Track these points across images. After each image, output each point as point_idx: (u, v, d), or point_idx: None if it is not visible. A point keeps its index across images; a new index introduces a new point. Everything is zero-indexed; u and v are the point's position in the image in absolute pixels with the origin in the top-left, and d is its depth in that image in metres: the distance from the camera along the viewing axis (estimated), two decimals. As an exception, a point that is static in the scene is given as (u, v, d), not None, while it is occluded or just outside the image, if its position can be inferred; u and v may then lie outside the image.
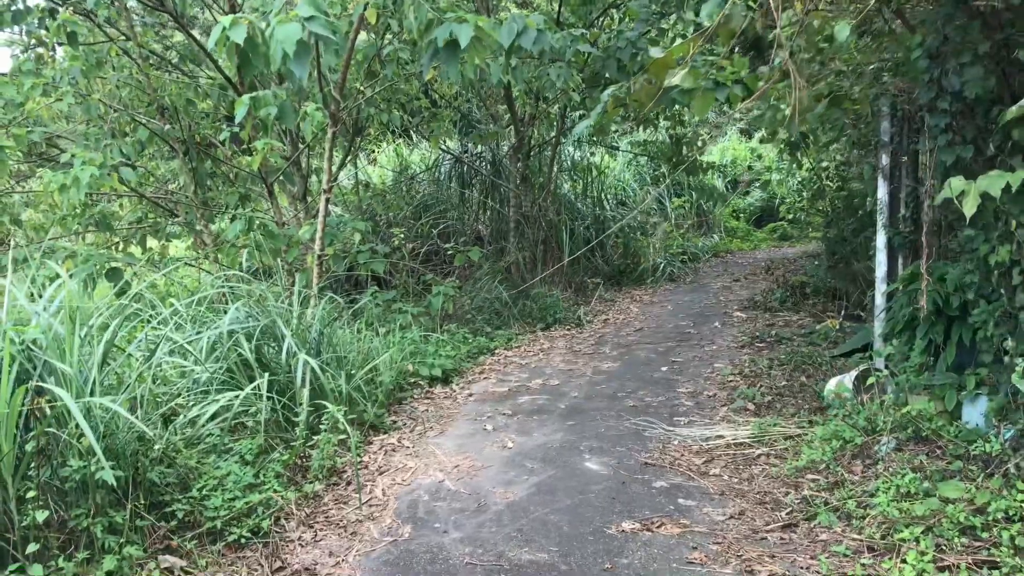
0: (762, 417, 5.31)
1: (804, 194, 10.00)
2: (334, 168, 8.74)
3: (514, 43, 5.71)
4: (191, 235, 9.30)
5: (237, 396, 4.42)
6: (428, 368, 6.70)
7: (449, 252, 9.32)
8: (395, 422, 5.64)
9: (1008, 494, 3.40)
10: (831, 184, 9.15)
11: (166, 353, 4.68)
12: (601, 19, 9.82)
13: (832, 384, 5.31)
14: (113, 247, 9.49)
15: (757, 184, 17.71)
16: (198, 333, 4.98)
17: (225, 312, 5.17)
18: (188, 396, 4.64)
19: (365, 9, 5.70)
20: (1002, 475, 3.63)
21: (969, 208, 3.36)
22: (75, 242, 9.50)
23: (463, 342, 7.82)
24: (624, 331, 8.79)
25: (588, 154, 13.26)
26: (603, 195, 13.01)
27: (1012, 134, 3.77)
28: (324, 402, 4.83)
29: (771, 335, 7.89)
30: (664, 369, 6.95)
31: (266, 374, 4.61)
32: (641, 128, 12.30)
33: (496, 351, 8.04)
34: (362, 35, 7.83)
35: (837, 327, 7.87)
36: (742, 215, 17.18)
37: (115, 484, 3.29)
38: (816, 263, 9.01)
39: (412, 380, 6.57)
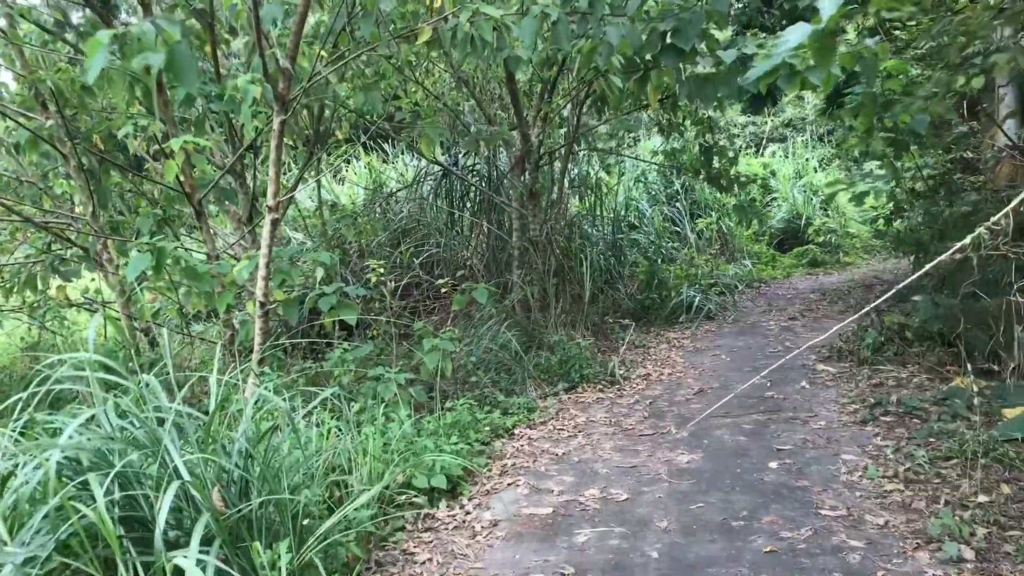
0: (1009, 582, 3.12)
1: (882, 207, 7.92)
2: (288, 180, 6.48)
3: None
4: (100, 273, 6.98)
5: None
6: (427, 475, 4.42)
7: (441, 288, 7.09)
8: (380, 596, 3.35)
9: None
10: (937, 194, 7.07)
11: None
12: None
13: None
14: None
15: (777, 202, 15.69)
16: (13, 468, 2.68)
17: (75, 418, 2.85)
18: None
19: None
20: None
21: None
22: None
23: (470, 420, 5.52)
24: (679, 394, 6.57)
25: (602, 166, 11.13)
26: (620, 215, 10.86)
27: None
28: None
29: (890, 402, 5.73)
30: (773, 466, 4.73)
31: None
32: (663, 134, 10.19)
33: (515, 431, 5.78)
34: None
35: (974, 388, 5.74)
36: (762, 238, 15.11)
37: None
38: (926, 297, 6.96)
39: (403, 496, 4.29)
